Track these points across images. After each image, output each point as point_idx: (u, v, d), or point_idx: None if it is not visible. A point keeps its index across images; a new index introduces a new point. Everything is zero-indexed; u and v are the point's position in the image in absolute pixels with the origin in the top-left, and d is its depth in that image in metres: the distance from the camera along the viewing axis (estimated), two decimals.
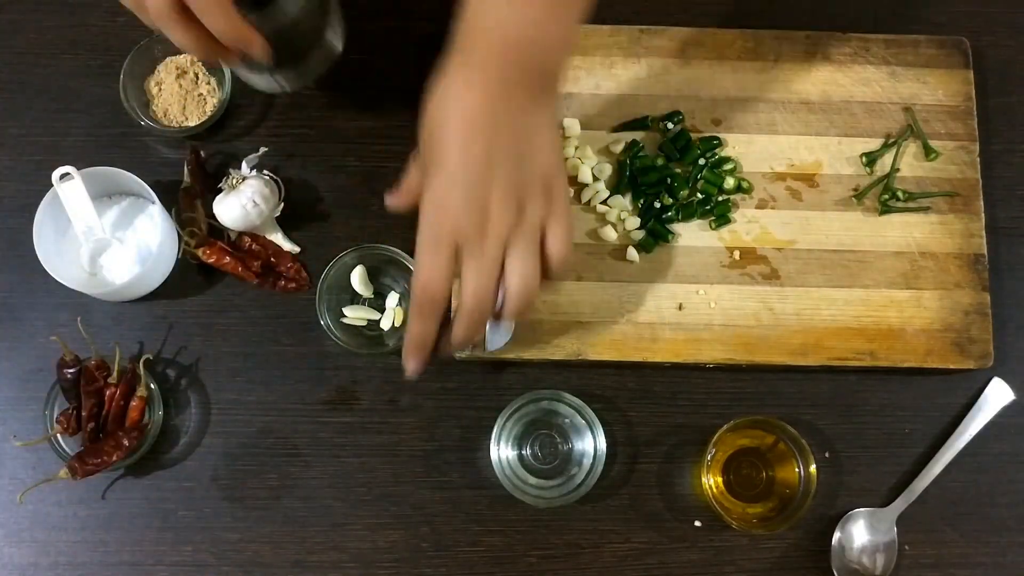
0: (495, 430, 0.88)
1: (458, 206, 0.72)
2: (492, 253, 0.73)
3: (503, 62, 0.73)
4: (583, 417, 0.89)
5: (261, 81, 0.86)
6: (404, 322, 0.92)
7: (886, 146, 0.96)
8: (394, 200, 0.79)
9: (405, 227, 0.95)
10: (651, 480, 0.92)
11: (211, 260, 0.92)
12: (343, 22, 0.84)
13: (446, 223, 0.72)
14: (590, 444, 0.89)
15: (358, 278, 0.92)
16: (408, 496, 0.91)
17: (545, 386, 0.92)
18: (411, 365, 0.77)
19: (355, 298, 0.93)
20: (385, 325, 0.93)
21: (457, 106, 0.73)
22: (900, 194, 0.95)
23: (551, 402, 0.90)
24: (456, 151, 0.72)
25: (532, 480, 0.90)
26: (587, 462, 0.89)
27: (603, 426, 0.89)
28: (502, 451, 0.89)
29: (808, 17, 1.01)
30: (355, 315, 0.92)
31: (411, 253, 0.89)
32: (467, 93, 0.73)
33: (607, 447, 0.88)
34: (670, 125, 0.95)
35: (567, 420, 0.91)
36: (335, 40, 0.87)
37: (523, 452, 0.91)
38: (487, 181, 0.72)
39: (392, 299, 0.93)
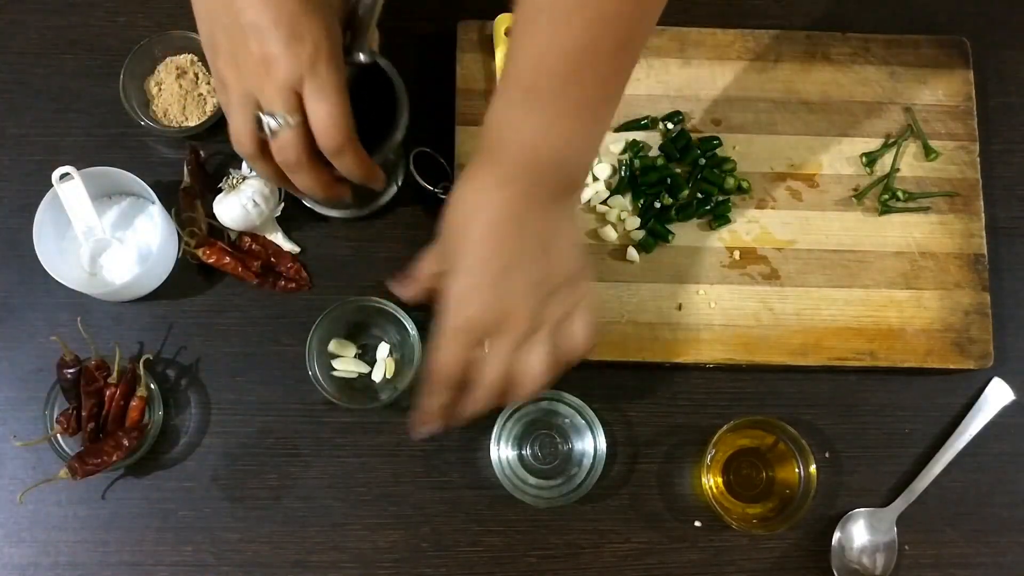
0: (495, 430, 0.88)
1: (481, 305, 0.74)
2: (510, 347, 0.76)
3: (530, 170, 0.74)
4: (583, 417, 0.89)
5: (336, 212, 0.94)
6: (396, 374, 0.92)
7: (886, 146, 0.96)
8: (404, 290, 0.82)
9: (403, 227, 0.96)
10: (651, 480, 0.92)
11: (211, 260, 0.92)
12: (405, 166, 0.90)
13: (469, 319, 0.75)
14: (590, 444, 0.89)
15: (334, 346, 0.92)
16: (408, 496, 0.91)
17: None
18: (422, 432, 0.80)
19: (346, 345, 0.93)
20: (377, 377, 0.92)
21: (482, 208, 0.75)
22: (900, 194, 0.95)
23: (551, 402, 0.90)
24: (480, 252, 0.74)
25: (532, 480, 0.90)
26: (587, 462, 0.89)
27: (603, 426, 0.89)
28: (502, 451, 0.89)
29: (808, 17, 1.01)
30: (345, 367, 0.92)
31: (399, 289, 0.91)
32: (493, 195, 0.74)
33: (607, 447, 0.88)
34: (670, 125, 0.95)
35: (567, 420, 0.91)
36: (400, 178, 0.95)
37: (523, 452, 0.91)
38: (511, 281, 0.74)
39: (383, 350, 0.92)
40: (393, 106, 0.84)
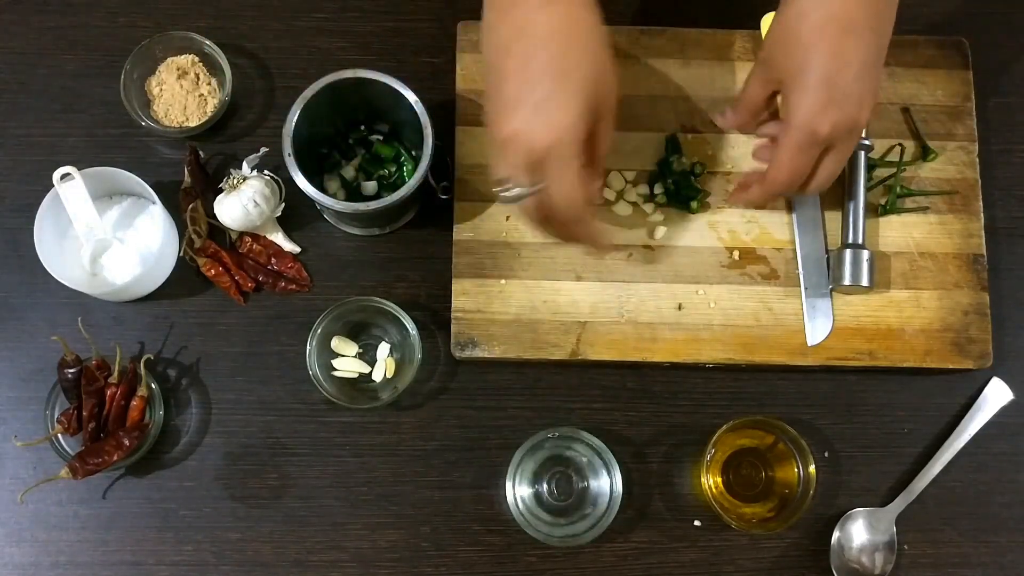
0: (511, 466, 0.87)
1: (838, 117, 0.78)
2: (850, 150, 0.82)
3: None
4: (600, 458, 0.88)
5: (359, 230, 0.95)
6: (396, 374, 0.92)
7: (886, 158, 0.96)
8: (731, 119, 0.88)
9: (403, 227, 0.96)
10: (651, 480, 0.92)
11: (210, 273, 0.92)
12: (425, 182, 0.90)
13: (825, 130, 0.78)
14: (606, 483, 0.88)
15: (337, 344, 0.92)
16: (408, 496, 0.91)
17: (545, 386, 0.92)
18: (744, 199, 0.90)
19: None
20: (377, 377, 0.92)
21: (825, 8, 0.77)
22: (899, 190, 0.95)
23: (569, 440, 0.89)
24: (834, 62, 0.77)
25: (547, 518, 0.89)
26: (603, 501, 0.88)
27: (603, 426, 0.89)
28: (518, 488, 0.88)
29: None
30: (345, 367, 0.92)
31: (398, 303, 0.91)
32: (847, 4, 0.77)
33: (610, 451, 0.88)
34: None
35: (584, 459, 0.90)
36: (416, 205, 0.96)
37: (539, 489, 0.90)
38: (861, 89, 0.78)
39: (383, 350, 0.92)
40: (418, 127, 0.87)
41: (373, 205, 0.86)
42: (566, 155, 0.76)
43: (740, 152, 0.96)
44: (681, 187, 0.93)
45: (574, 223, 0.80)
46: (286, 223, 0.95)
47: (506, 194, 0.79)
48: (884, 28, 0.80)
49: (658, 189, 0.94)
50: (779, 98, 0.84)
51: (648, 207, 0.94)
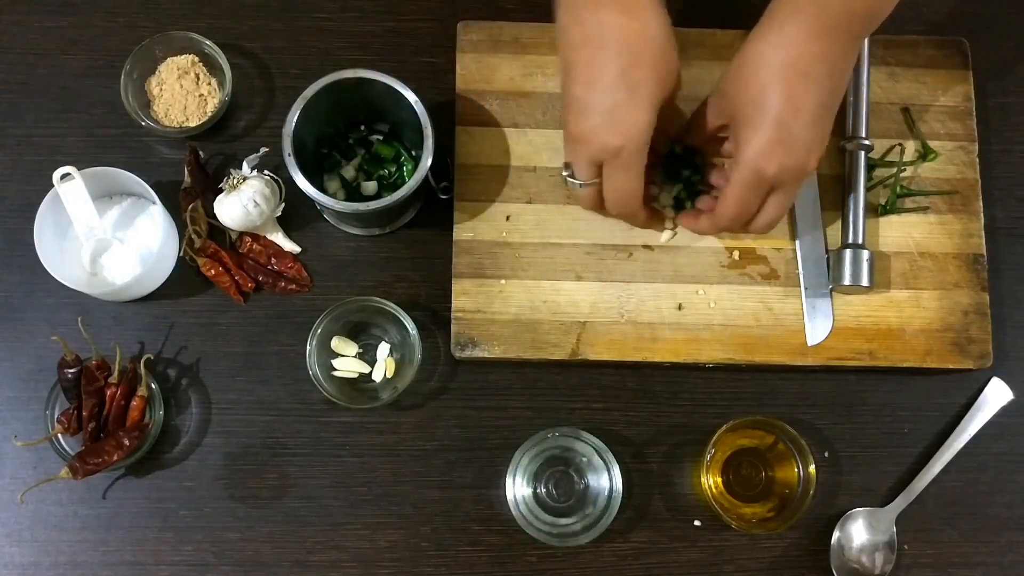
0: (511, 465, 0.88)
1: (784, 160, 0.79)
2: (795, 194, 0.83)
3: (844, 20, 0.77)
4: (600, 457, 0.88)
5: (360, 230, 0.96)
6: (396, 374, 0.92)
7: (887, 158, 0.96)
8: (692, 137, 0.91)
9: (403, 227, 0.96)
10: (651, 480, 0.92)
11: (210, 273, 0.92)
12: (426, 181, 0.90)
13: (771, 170, 0.79)
14: (606, 482, 0.88)
15: (337, 344, 0.92)
16: (408, 496, 0.91)
17: (545, 386, 0.92)
18: (693, 227, 0.92)
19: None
20: (377, 377, 0.92)
21: (785, 52, 0.78)
22: (899, 189, 0.95)
23: (569, 439, 0.89)
24: (786, 107, 0.78)
25: (547, 517, 0.89)
26: (602, 501, 0.88)
27: (603, 426, 0.89)
28: (518, 488, 0.88)
29: None
30: (345, 367, 0.92)
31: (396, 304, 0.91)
32: (802, 49, 0.77)
33: (609, 449, 0.88)
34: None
35: (584, 458, 0.90)
36: (416, 205, 0.96)
37: (538, 489, 0.90)
38: (810, 136, 0.79)
39: (383, 350, 0.92)
40: (418, 126, 0.87)
41: (373, 205, 0.86)
42: (630, 160, 0.80)
43: None
44: (681, 187, 0.93)
45: (624, 216, 0.88)
46: (286, 223, 0.95)
47: (571, 180, 0.85)
48: (838, 80, 0.80)
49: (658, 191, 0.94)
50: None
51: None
